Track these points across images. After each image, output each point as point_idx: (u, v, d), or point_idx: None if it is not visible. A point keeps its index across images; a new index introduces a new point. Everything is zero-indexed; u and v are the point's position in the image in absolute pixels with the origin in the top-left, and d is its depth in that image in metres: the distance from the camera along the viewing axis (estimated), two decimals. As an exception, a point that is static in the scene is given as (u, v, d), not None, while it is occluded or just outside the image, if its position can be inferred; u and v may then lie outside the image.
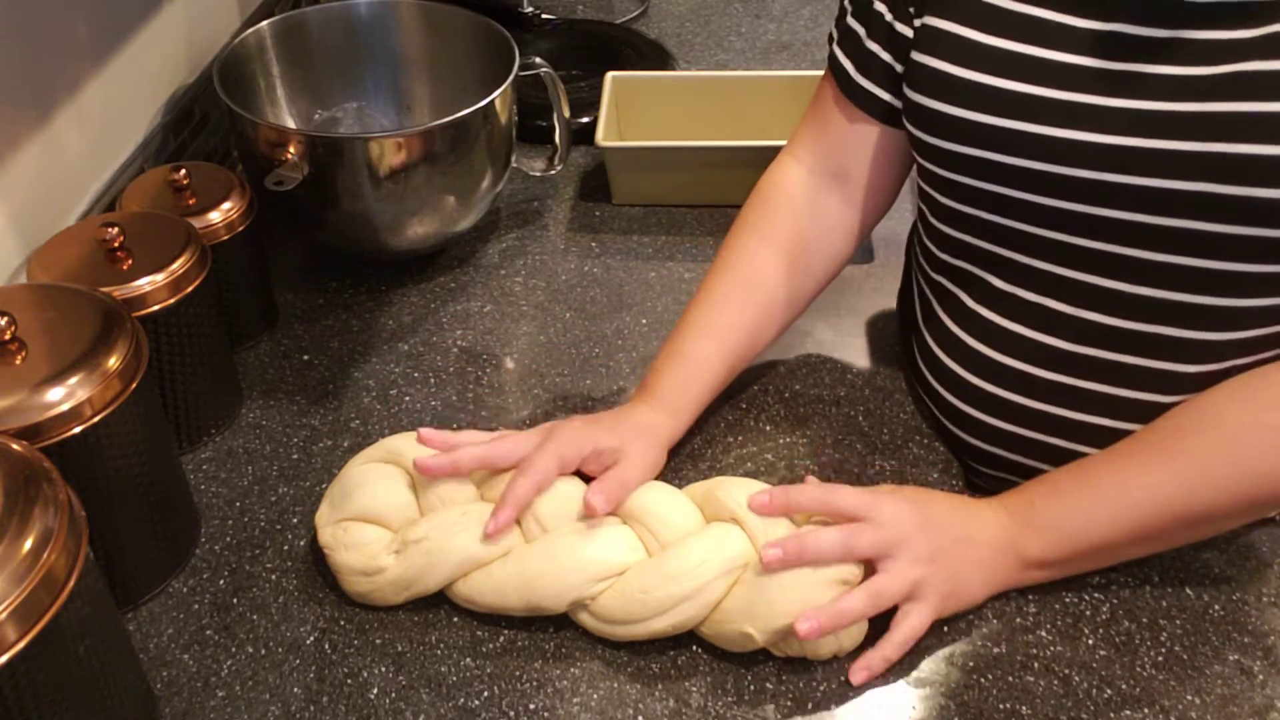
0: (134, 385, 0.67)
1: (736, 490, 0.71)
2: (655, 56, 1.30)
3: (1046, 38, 0.69)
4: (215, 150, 1.08)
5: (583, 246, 1.04)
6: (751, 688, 0.67)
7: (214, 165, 0.93)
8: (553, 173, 1.08)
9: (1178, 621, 0.71)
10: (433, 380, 0.90)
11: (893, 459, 0.82)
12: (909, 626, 0.67)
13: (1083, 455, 0.76)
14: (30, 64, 0.82)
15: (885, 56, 0.79)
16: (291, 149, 0.89)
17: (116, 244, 0.77)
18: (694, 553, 0.68)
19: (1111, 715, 0.66)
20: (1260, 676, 0.68)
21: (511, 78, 0.95)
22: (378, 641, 0.70)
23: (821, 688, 0.67)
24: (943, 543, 0.68)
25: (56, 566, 0.53)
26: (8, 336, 0.65)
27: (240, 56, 0.99)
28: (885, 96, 0.80)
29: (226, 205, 0.86)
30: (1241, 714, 0.66)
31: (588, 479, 0.74)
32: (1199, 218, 0.66)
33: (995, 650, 0.69)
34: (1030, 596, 0.72)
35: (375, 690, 0.67)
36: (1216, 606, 0.72)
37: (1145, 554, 0.72)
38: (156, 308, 0.76)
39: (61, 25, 0.86)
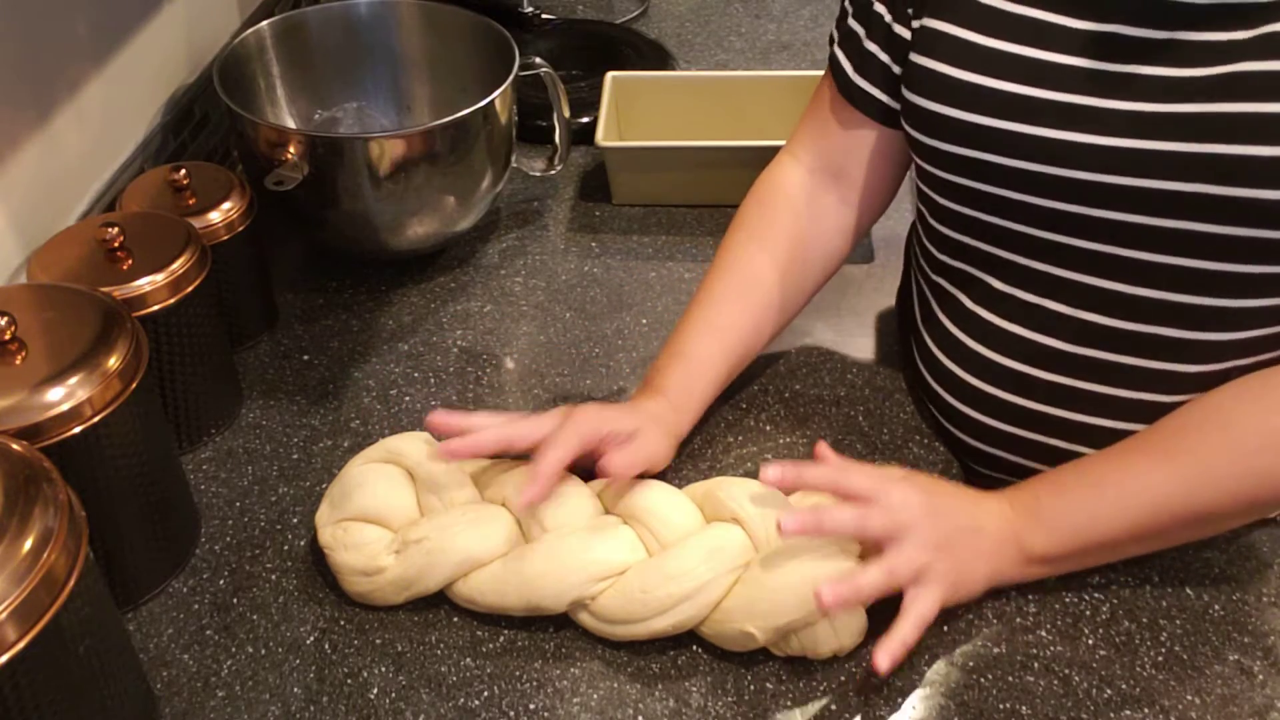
0: (134, 385, 0.67)
1: (736, 490, 0.71)
2: (655, 56, 1.30)
3: (1043, 39, 0.69)
4: (215, 150, 1.08)
5: (583, 246, 1.04)
6: (751, 688, 0.67)
7: (214, 165, 0.93)
8: (553, 173, 1.08)
9: (1178, 621, 0.71)
10: (433, 380, 0.90)
11: (893, 459, 0.82)
12: (920, 609, 0.66)
13: (1079, 456, 0.76)
14: (30, 64, 0.82)
15: (884, 58, 0.79)
16: (291, 149, 0.89)
17: (116, 244, 0.77)
18: (694, 552, 0.68)
19: (1111, 715, 0.66)
20: (1260, 676, 0.68)
21: (511, 78, 0.95)
22: (378, 641, 0.70)
23: (821, 688, 0.67)
24: (949, 531, 0.68)
25: (56, 566, 0.54)
26: (8, 336, 0.65)
27: (240, 56, 0.99)
28: (883, 98, 0.80)
29: (226, 205, 0.86)
30: (1241, 714, 0.66)
31: (587, 477, 0.74)
32: (1196, 219, 0.66)
33: (995, 650, 0.69)
34: (1030, 596, 0.72)
35: (375, 690, 0.67)
36: (1216, 606, 0.72)
37: (1147, 551, 0.72)
38: (156, 308, 0.76)
39: (61, 25, 0.86)
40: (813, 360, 0.91)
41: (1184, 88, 0.65)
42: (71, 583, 0.54)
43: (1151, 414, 0.73)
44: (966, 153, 0.72)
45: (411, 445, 0.74)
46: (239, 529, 0.77)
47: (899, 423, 0.85)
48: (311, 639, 0.70)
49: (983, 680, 0.68)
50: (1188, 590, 0.73)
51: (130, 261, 0.77)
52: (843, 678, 0.68)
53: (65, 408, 0.64)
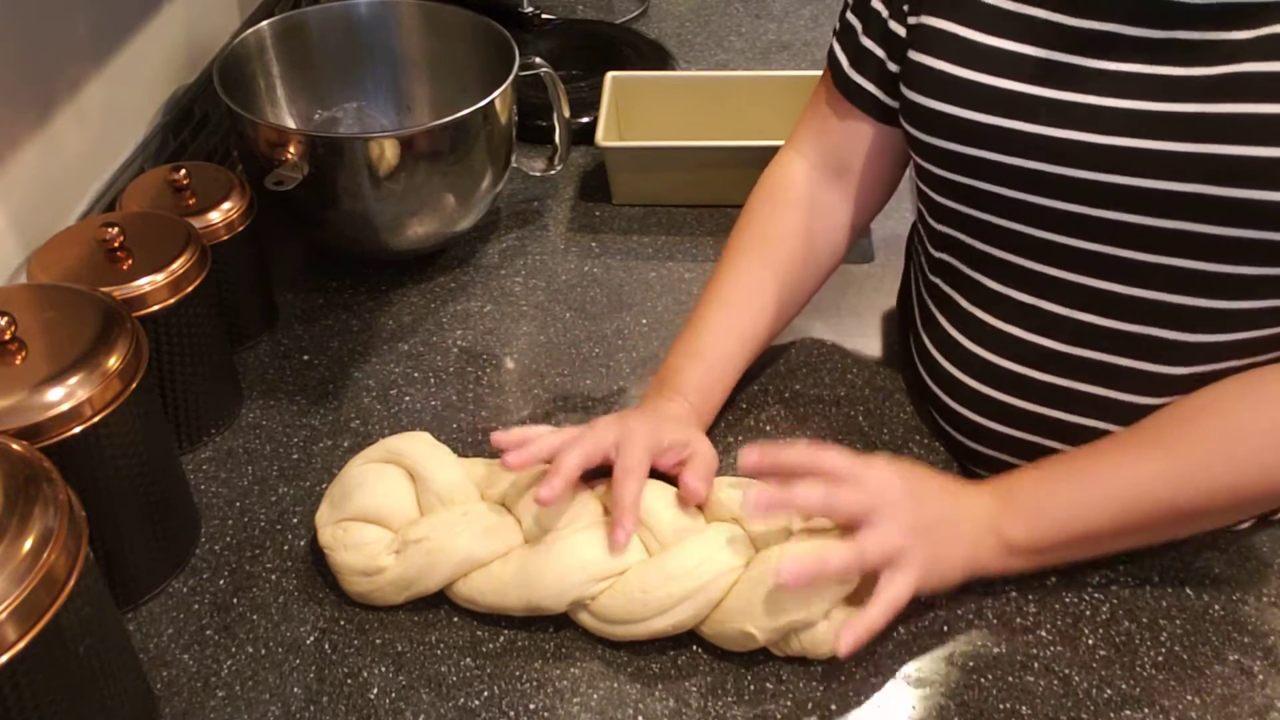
0: (134, 385, 0.67)
1: (737, 490, 0.71)
2: (655, 56, 1.30)
3: (1042, 37, 0.69)
4: (215, 150, 1.08)
5: (583, 246, 1.04)
6: (751, 688, 0.67)
7: (214, 165, 0.93)
8: (553, 173, 1.08)
9: (1178, 621, 0.71)
10: (433, 380, 0.90)
11: (891, 459, 0.82)
12: (892, 593, 0.65)
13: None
14: (30, 64, 0.82)
15: (880, 53, 0.79)
16: (291, 149, 0.89)
17: (116, 244, 0.77)
18: (694, 552, 0.68)
19: (1111, 715, 0.66)
20: (1260, 676, 0.68)
21: (511, 78, 0.95)
22: (378, 641, 0.70)
23: (821, 688, 0.67)
24: (927, 516, 0.67)
25: (56, 566, 0.54)
26: (8, 336, 0.65)
27: (240, 56, 0.99)
28: (879, 94, 0.80)
29: (226, 205, 0.86)
30: (1241, 714, 0.66)
31: (590, 475, 0.74)
32: (1192, 219, 0.66)
33: (995, 650, 0.69)
34: (1030, 596, 0.72)
35: (375, 690, 0.67)
36: (1216, 606, 0.72)
37: (1133, 546, 0.72)
38: (156, 308, 0.76)
39: (61, 25, 0.86)
40: (813, 360, 0.91)
41: (1182, 87, 0.65)
42: (71, 583, 0.54)
43: (1149, 414, 0.73)
44: (963, 149, 0.72)
45: (411, 445, 0.74)
46: (239, 529, 0.77)
47: (899, 423, 0.85)
48: (311, 639, 0.70)
49: (983, 680, 0.68)
50: (1188, 590, 0.73)
51: (130, 261, 0.77)
52: (843, 677, 0.68)
53: (65, 408, 0.64)
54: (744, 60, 1.34)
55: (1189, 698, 0.67)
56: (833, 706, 0.66)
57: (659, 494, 0.72)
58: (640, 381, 0.89)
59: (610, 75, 1.14)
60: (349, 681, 0.68)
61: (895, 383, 0.89)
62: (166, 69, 1.02)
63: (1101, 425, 0.75)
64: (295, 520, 0.78)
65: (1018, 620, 0.71)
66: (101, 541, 0.68)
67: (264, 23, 1.01)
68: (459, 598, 0.71)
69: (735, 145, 1.06)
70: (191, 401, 0.81)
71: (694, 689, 0.68)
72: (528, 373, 0.90)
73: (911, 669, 0.68)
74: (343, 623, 0.71)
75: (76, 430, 0.64)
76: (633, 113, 1.15)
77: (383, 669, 0.69)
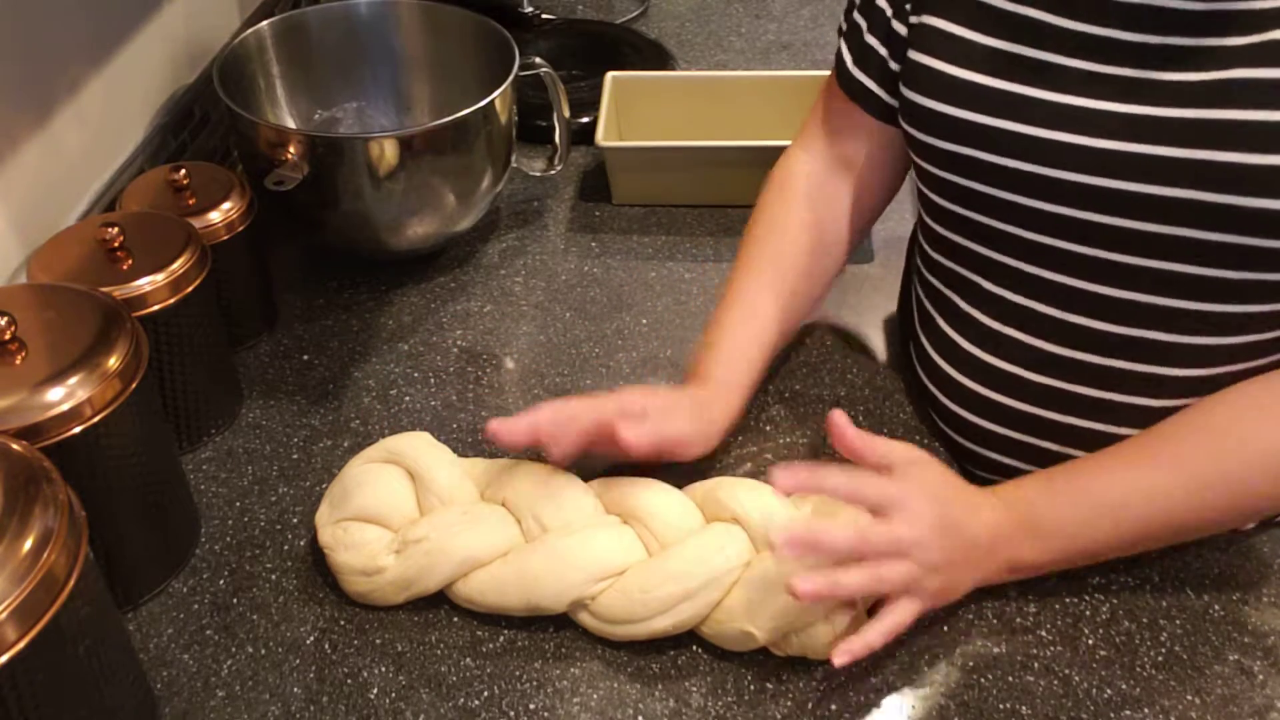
0: (134, 385, 0.67)
1: (737, 490, 0.71)
2: (655, 56, 1.30)
3: (1039, 39, 0.69)
4: (215, 150, 1.08)
5: (583, 246, 1.04)
6: (751, 688, 0.67)
7: (214, 165, 0.93)
8: (553, 173, 1.08)
9: (1178, 621, 0.71)
10: (433, 380, 0.90)
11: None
12: (897, 619, 0.65)
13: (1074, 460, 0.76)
14: (30, 64, 0.82)
15: (882, 52, 0.80)
16: (291, 149, 0.89)
17: (116, 244, 0.77)
18: (694, 552, 0.68)
19: (1111, 715, 0.66)
20: (1260, 676, 0.68)
21: (511, 78, 0.95)
22: (378, 641, 0.70)
23: (821, 688, 0.67)
24: (953, 550, 0.67)
25: (56, 566, 0.53)
26: (8, 336, 0.65)
27: (240, 56, 0.99)
28: (880, 93, 0.81)
29: (226, 205, 0.86)
30: (1241, 714, 0.66)
31: (587, 477, 0.74)
32: (1185, 224, 0.66)
33: (995, 650, 0.69)
34: (1030, 596, 0.72)
35: (375, 690, 0.67)
36: (1216, 606, 0.72)
37: (1134, 553, 0.72)
38: (156, 308, 0.76)
39: (61, 25, 0.86)
40: (813, 360, 0.91)
41: (1176, 93, 0.65)
42: (71, 583, 0.54)
43: (1144, 418, 0.73)
44: (959, 150, 0.72)
45: (411, 445, 0.74)
46: (239, 529, 0.77)
47: (899, 423, 0.85)
48: (311, 639, 0.70)
49: (983, 680, 0.68)
50: (1188, 590, 0.73)
51: (130, 261, 0.77)
52: (843, 677, 0.68)
53: (65, 408, 0.64)
54: (744, 60, 1.34)
55: (1189, 698, 0.67)
56: (833, 706, 0.66)
57: (660, 494, 0.72)
58: (640, 381, 0.89)
59: (610, 75, 1.14)
60: (349, 681, 0.68)
61: (895, 383, 0.89)
62: (166, 69, 1.02)
63: (1099, 427, 0.75)
64: (295, 520, 0.78)
65: (1018, 620, 0.71)
66: (101, 541, 0.68)
67: (264, 23, 1.01)
68: (459, 598, 0.71)
69: (735, 145, 1.06)
70: (191, 401, 0.81)
71: (694, 689, 0.68)
72: (528, 373, 0.90)
73: (911, 669, 0.68)
74: (343, 623, 0.71)
75: (76, 430, 0.64)
76: (633, 113, 1.15)
77: (383, 669, 0.69)
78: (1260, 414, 0.68)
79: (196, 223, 0.83)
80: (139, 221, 0.81)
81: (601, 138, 1.05)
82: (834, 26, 1.38)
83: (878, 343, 0.94)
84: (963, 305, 0.79)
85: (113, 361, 0.66)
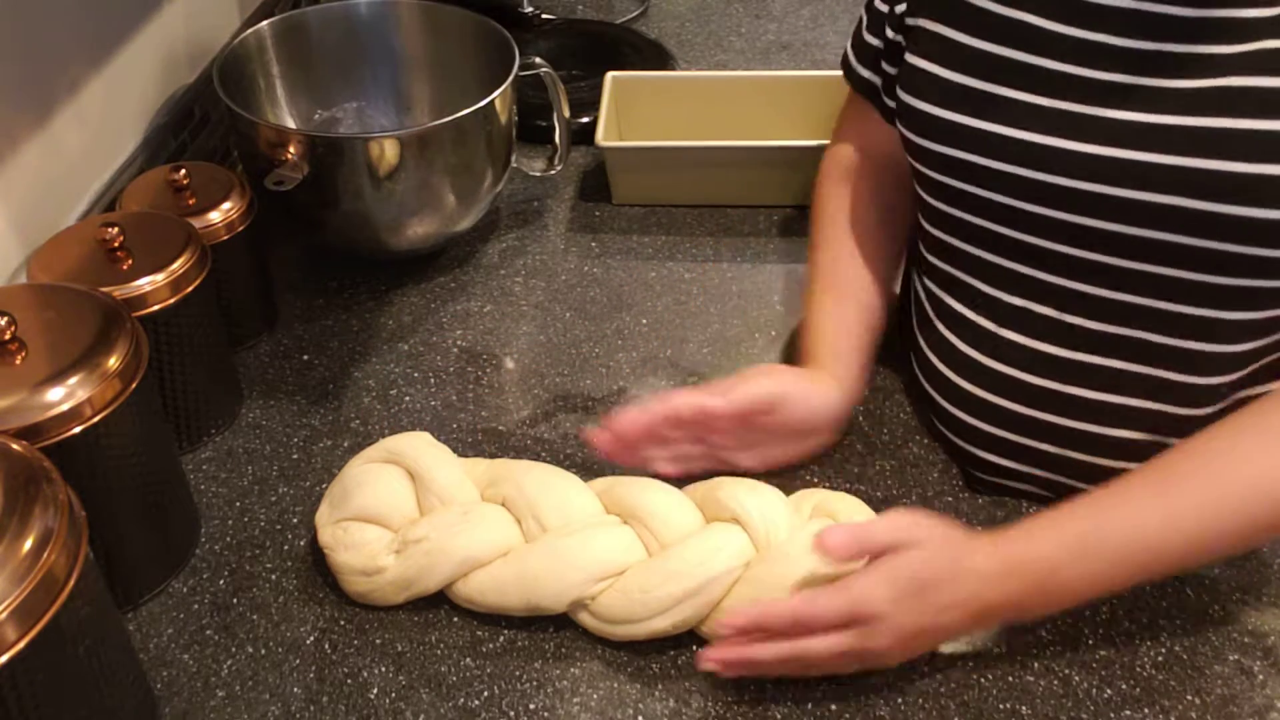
0: (134, 385, 0.67)
1: (737, 490, 0.71)
2: (655, 56, 1.30)
3: (1031, 43, 0.69)
4: (215, 150, 1.08)
5: (583, 246, 1.04)
6: (751, 688, 0.67)
7: (214, 165, 0.93)
8: (553, 173, 1.08)
9: (1178, 621, 0.71)
10: (433, 380, 0.90)
11: (892, 459, 0.82)
12: (828, 671, 0.65)
13: (1075, 462, 0.76)
14: (30, 64, 0.82)
15: (882, 54, 0.80)
16: (291, 149, 0.89)
17: (116, 244, 0.77)
18: (694, 552, 0.68)
19: (1111, 715, 0.66)
20: (1260, 676, 0.68)
21: (511, 78, 0.95)
22: (378, 641, 0.70)
23: (821, 687, 0.67)
24: (925, 639, 0.65)
25: (56, 566, 0.53)
26: (8, 336, 0.65)
27: (240, 56, 0.99)
28: (884, 95, 0.81)
29: (226, 205, 0.86)
30: (1241, 714, 0.66)
31: (587, 477, 0.74)
32: (1175, 230, 0.66)
33: (995, 650, 0.69)
34: (1030, 596, 0.72)
35: (375, 690, 0.67)
36: (1216, 606, 0.72)
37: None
38: (156, 308, 0.76)
39: (61, 25, 0.86)
40: (813, 360, 0.91)
41: (1166, 99, 0.65)
42: (71, 583, 0.54)
43: (1145, 420, 0.73)
44: (952, 152, 0.72)
45: (411, 445, 0.74)
46: (239, 529, 0.77)
47: (899, 423, 0.85)
48: (311, 639, 0.70)
49: (983, 680, 0.68)
50: (1188, 590, 0.73)
51: (130, 261, 0.77)
52: (843, 677, 0.68)
53: (65, 408, 0.64)
54: (744, 60, 1.34)
55: (1189, 698, 0.67)
56: (833, 706, 0.66)
57: (660, 494, 0.72)
58: (640, 381, 0.89)
59: (610, 75, 1.14)
60: (349, 681, 0.68)
61: (895, 383, 0.89)
62: (166, 69, 1.02)
63: (1098, 430, 0.74)
64: (295, 520, 0.78)
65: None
66: (101, 541, 0.68)
67: (264, 23, 1.01)
68: (459, 598, 0.71)
69: (735, 145, 1.06)
70: (191, 401, 0.81)
71: (694, 689, 0.68)
72: (528, 373, 0.90)
73: (911, 668, 0.68)
74: (343, 623, 0.71)
75: (76, 430, 0.64)
76: (633, 113, 1.15)
77: (383, 669, 0.69)
78: (1260, 446, 0.65)
79: (196, 223, 0.83)
80: (139, 221, 0.81)
81: (601, 138, 1.05)
82: (834, 26, 1.39)
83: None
84: (959, 307, 0.79)
85: (113, 361, 0.66)
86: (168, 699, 0.67)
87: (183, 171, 0.86)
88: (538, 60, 1.00)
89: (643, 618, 0.67)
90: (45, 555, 0.53)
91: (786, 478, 0.79)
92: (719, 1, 1.46)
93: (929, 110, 0.73)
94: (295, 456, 0.83)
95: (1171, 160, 0.64)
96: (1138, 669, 0.68)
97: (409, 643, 0.70)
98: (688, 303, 0.97)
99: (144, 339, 0.70)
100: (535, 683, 0.68)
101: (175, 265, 0.77)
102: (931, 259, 0.81)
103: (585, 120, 1.13)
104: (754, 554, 0.69)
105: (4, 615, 0.51)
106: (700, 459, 0.76)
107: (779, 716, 0.66)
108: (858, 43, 0.84)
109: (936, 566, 0.63)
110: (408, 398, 0.88)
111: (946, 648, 0.68)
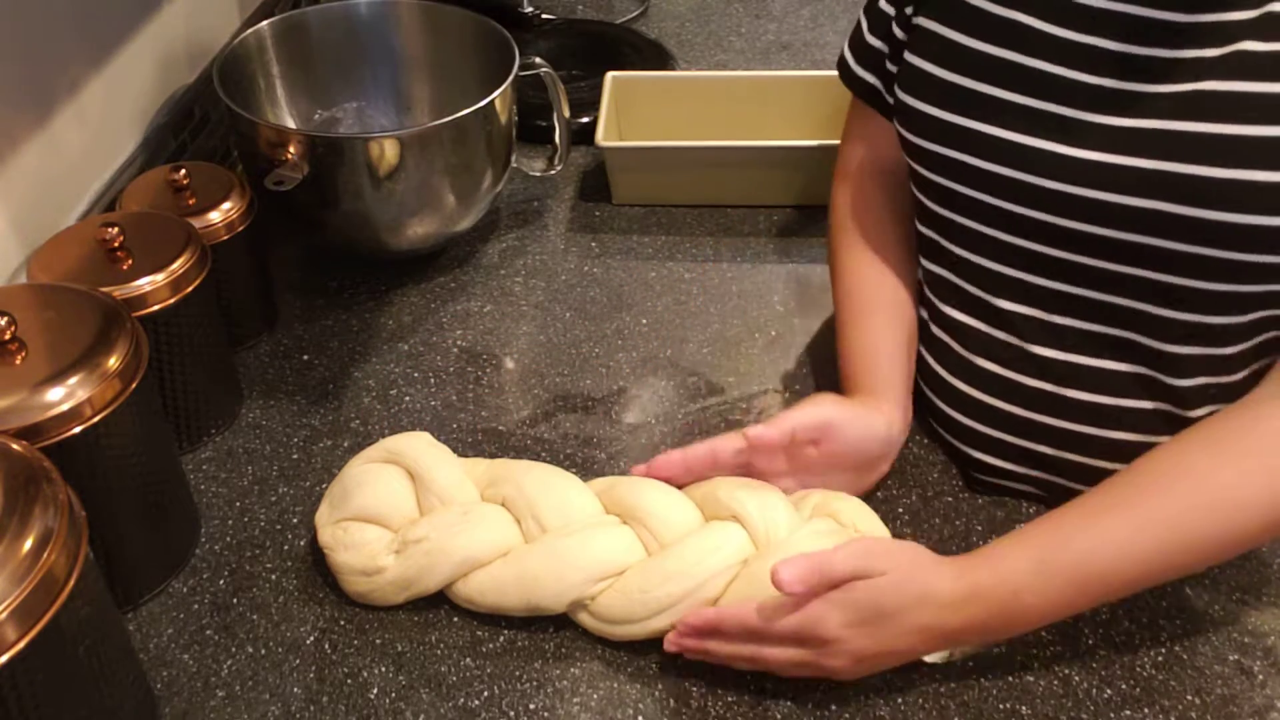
0: (134, 385, 0.67)
1: (736, 489, 0.71)
2: (655, 56, 1.30)
3: (1025, 44, 0.69)
4: (215, 150, 1.08)
5: (583, 246, 1.04)
6: (751, 687, 0.67)
7: (214, 165, 0.93)
8: (553, 173, 1.08)
9: (1178, 621, 0.71)
10: (433, 380, 0.90)
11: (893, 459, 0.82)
12: (783, 674, 0.66)
13: (1071, 463, 0.76)
14: (30, 64, 0.82)
15: (884, 52, 0.80)
16: (291, 149, 0.89)
17: (116, 244, 0.77)
18: (693, 552, 0.68)
19: (1111, 715, 0.66)
20: (1260, 676, 0.68)
21: (511, 78, 0.95)
22: (378, 641, 0.70)
23: (821, 687, 0.67)
24: (885, 651, 0.64)
25: (56, 566, 0.53)
26: (8, 336, 0.65)
27: (240, 56, 0.99)
28: (886, 94, 0.81)
29: (226, 205, 0.86)
30: (1241, 714, 0.66)
31: (586, 477, 0.74)
32: (1158, 235, 0.66)
33: (995, 650, 0.69)
34: (1030, 596, 0.72)
35: (375, 690, 0.67)
36: (1216, 606, 0.72)
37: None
38: (156, 308, 0.76)
39: (62, 25, 0.86)
40: (813, 360, 0.91)
41: (1151, 105, 0.65)
42: (71, 583, 0.54)
43: (1139, 421, 0.73)
44: (947, 152, 0.73)
45: (411, 445, 0.74)
46: (239, 529, 0.77)
47: (899, 423, 0.85)
48: (311, 639, 0.70)
49: (983, 680, 0.68)
50: (1188, 590, 0.73)
51: (130, 261, 0.77)
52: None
53: (65, 408, 0.64)
54: (744, 60, 1.34)
55: (1189, 698, 0.67)
56: (833, 707, 0.66)
57: (659, 494, 0.72)
58: (640, 381, 0.89)
59: (610, 75, 1.14)
60: (349, 681, 0.68)
61: (895, 383, 0.88)
62: (166, 69, 1.02)
63: (1092, 431, 0.74)
64: (295, 520, 0.78)
65: (1018, 620, 0.71)
66: (101, 541, 0.68)
67: (264, 23, 1.01)
68: (459, 598, 0.71)
69: (735, 145, 1.06)
70: (191, 401, 0.81)
71: (694, 689, 0.68)
72: (528, 373, 0.90)
73: (911, 668, 0.68)
74: (343, 623, 0.71)
75: (76, 430, 0.64)
76: (633, 113, 1.15)
77: (383, 669, 0.69)
78: (1226, 459, 0.64)
79: (196, 223, 0.83)
80: (139, 221, 0.81)
81: (601, 138, 1.05)
82: (834, 27, 1.39)
83: (878, 343, 0.94)
84: (952, 309, 0.79)
85: (113, 361, 0.66)
86: (168, 699, 0.67)
87: (183, 171, 0.86)
88: (538, 60, 1.00)
89: (642, 618, 0.67)
90: (45, 555, 0.53)
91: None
92: (719, 1, 1.46)
93: (926, 110, 0.73)
94: (295, 456, 0.83)
95: (1154, 165, 0.64)
96: (1138, 669, 0.68)
97: (409, 643, 0.70)
98: (688, 303, 0.97)
99: (144, 339, 0.70)
100: (535, 683, 0.68)
101: (175, 265, 0.77)
102: (926, 262, 0.81)
103: (585, 120, 1.13)
104: (753, 553, 0.69)
105: (4, 615, 0.51)
106: None
107: (779, 716, 0.66)
108: (858, 46, 0.84)
109: (897, 595, 0.62)
110: (408, 398, 0.88)
111: (930, 659, 0.67)
